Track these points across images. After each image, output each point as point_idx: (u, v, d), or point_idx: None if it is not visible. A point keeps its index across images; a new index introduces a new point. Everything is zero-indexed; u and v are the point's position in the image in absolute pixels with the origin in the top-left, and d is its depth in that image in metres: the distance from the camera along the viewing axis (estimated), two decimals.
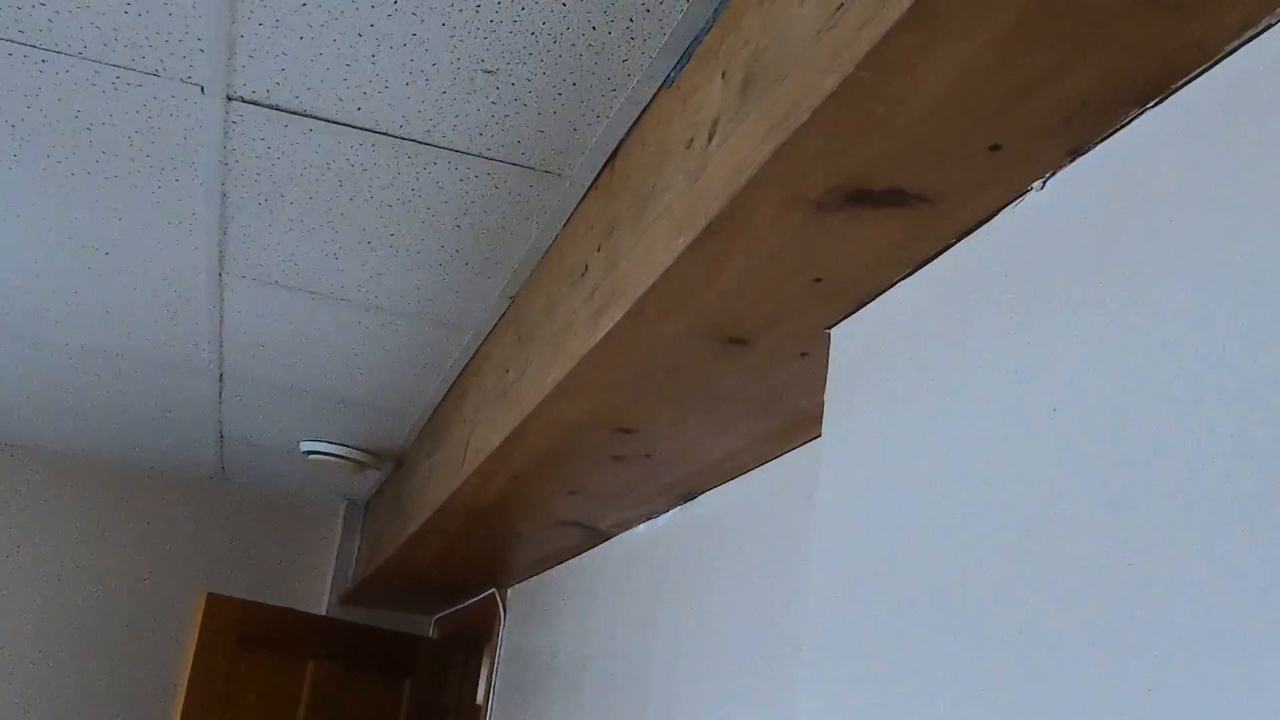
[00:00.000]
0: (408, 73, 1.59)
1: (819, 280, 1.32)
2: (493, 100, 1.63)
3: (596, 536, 2.72)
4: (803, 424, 1.75)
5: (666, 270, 1.33)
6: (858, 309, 1.37)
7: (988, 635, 0.99)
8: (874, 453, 1.26)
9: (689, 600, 2.17)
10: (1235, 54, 0.87)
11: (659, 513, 2.41)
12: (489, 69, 1.56)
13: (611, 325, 1.51)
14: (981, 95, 0.97)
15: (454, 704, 4.15)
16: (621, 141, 1.68)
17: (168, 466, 4.38)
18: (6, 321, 2.84)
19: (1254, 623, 0.74)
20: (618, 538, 2.68)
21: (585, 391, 1.76)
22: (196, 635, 3.66)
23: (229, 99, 1.71)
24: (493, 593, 3.65)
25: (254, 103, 1.72)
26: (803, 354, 1.51)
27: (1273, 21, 0.83)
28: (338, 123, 1.74)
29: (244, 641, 3.74)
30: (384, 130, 1.75)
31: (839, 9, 1.00)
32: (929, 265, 1.24)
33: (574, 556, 2.99)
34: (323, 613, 4.49)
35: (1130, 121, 0.96)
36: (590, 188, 1.82)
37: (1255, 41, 0.85)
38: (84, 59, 1.66)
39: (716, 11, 1.37)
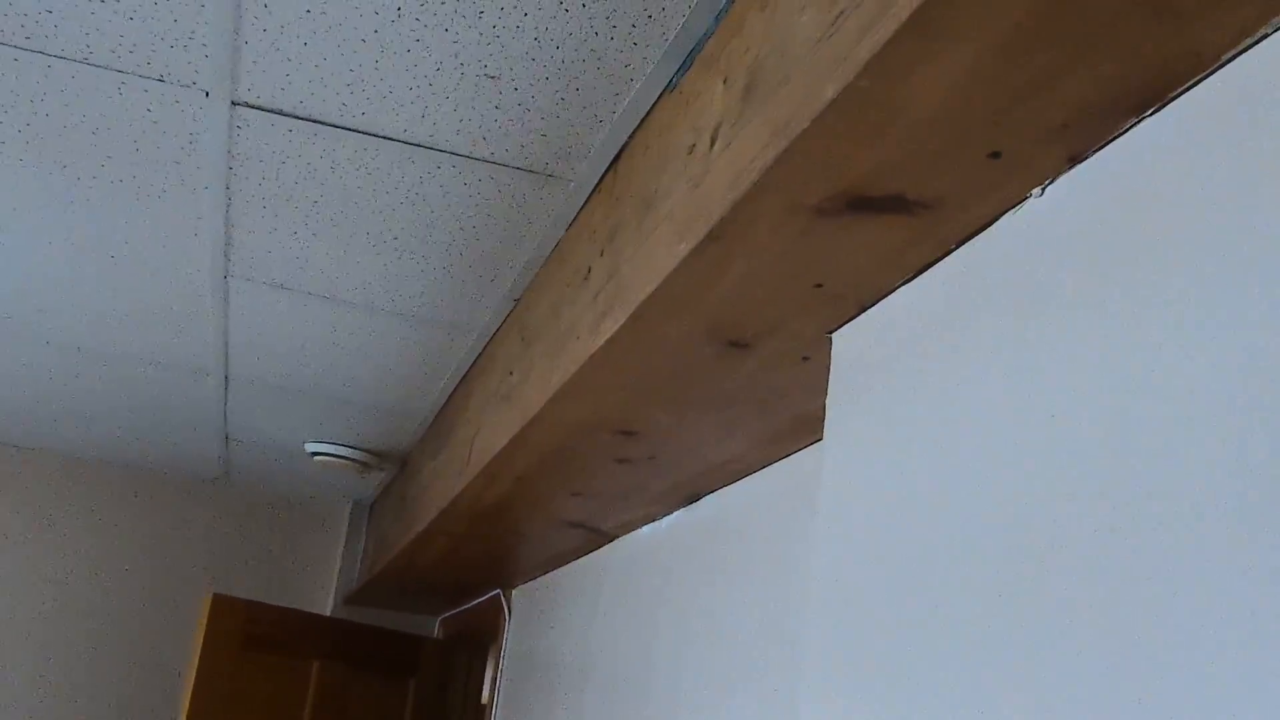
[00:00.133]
0: (411, 78, 1.60)
1: (820, 285, 1.32)
2: (496, 105, 1.64)
3: (600, 538, 2.73)
4: (805, 427, 1.75)
5: (669, 275, 1.34)
6: (859, 314, 1.38)
7: (988, 637, 1.00)
8: (875, 456, 1.26)
9: (692, 601, 2.18)
10: (1233, 63, 0.87)
11: (662, 514, 2.41)
12: (492, 74, 1.57)
13: (614, 329, 1.52)
14: (981, 102, 0.97)
15: (459, 704, 4.15)
16: (624, 146, 1.69)
17: (174, 468, 4.39)
18: (13, 325, 2.86)
19: (1253, 623, 0.74)
20: (621, 539, 2.68)
21: (589, 394, 1.76)
22: (202, 636, 3.66)
23: (234, 104, 1.72)
24: (497, 594, 3.66)
25: (258, 108, 1.72)
26: (804, 358, 1.52)
27: (1269, 31, 0.84)
28: (342, 127, 1.75)
29: (250, 642, 3.75)
30: (388, 135, 1.75)
31: (839, 17, 1.00)
32: (929, 271, 1.24)
33: (578, 558, 2.99)
34: (328, 613, 4.50)
35: (1129, 129, 0.97)
36: (593, 192, 1.83)
37: (1252, 50, 0.85)
38: (89, 64, 1.67)
39: (718, 18, 1.38)
